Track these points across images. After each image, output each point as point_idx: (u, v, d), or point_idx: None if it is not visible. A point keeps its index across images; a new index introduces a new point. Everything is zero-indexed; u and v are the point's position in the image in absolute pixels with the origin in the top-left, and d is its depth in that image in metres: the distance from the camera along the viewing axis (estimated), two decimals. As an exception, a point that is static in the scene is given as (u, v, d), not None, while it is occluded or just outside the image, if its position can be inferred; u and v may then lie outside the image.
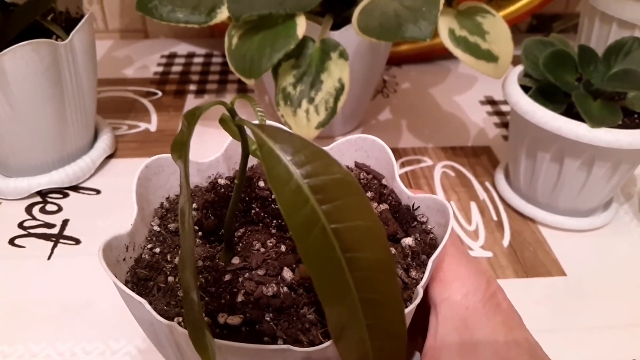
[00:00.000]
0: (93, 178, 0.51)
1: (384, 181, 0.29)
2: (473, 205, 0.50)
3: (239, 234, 0.26)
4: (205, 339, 0.18)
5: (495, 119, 0.63)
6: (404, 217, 0.27)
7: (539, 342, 0.25)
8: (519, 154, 0.46)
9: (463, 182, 0.52)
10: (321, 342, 0.20)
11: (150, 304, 0.21)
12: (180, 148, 0.19)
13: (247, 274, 0.24)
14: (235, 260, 0.24)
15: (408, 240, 0.26)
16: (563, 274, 0.43)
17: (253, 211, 0.27)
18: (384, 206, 0.27)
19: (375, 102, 0.65)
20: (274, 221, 0.27)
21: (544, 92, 0.43)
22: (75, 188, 0.50)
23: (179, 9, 0.43)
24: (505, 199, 0.50)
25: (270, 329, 0.21)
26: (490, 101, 0.66)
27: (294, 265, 0.24)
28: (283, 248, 0.25)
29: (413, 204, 0.28)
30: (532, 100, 0.42)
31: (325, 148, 0.28)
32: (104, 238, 0.23)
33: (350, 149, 0.31)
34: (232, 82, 0.68)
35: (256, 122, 0.23)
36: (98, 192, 0.50)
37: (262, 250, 0.25)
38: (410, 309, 0.21)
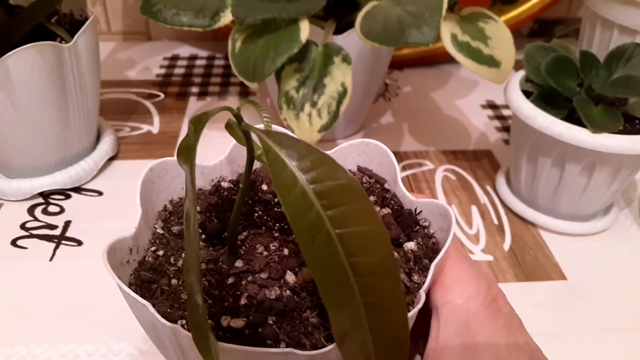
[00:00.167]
0: (95, 179, 0.51)
1: (386, 185, 0.30)
2: (474, 209, 0.50)
3: (242, 237, 0.26)
4: (209, 342, 0.18)
5: (497, 123, 0.63)
6: (406, 222, 0.28)
7: (540, 346, 0.25)
8: (520, 158, 0.46)
9: (464, 186, 0.53)
10: (324, 346, 0.20)
11: (154, 306, 0.21)
12: (186, 152, 0.19)
13: (250, 277, 0.24)
14: (239, 263, 0.25)
15: (410, 245, 0.26)
16: (563, 278, 0.43)
17: (256, 214, 0.27)
18: (386, 210, 0.28)
19: (377, 105, 0.65)
20: (277, 224, 0.27)
21: (546, 97, 0.43)
22: (78, 189, 0.50)
23: (183, 13, 0.43)
24: (506, 203, 0.50)
25: (273, 332, 0.22)
26: (492, 105, 0.66)
27: (297, 269, 0.24)
28: (286, 251, 0.25)
29: (415, 209, 0.28)
30: (533, 105, 0.42)
31: (328, 152, 0.28)
32: (108, 241, 0.23)
33: (353, 153, 0.31)
34: (235, 85, 0.69)
35: (261, 126, 0.24)
36: (100, 193, 0.50)
37: (265, 253, 0.25)
38: (412, 313, 0.21)
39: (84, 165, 0.50)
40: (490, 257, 0.45)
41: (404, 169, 0.55)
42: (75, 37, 0.44)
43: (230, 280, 0.24)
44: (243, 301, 0.23)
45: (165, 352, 0.25)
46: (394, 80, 0.71)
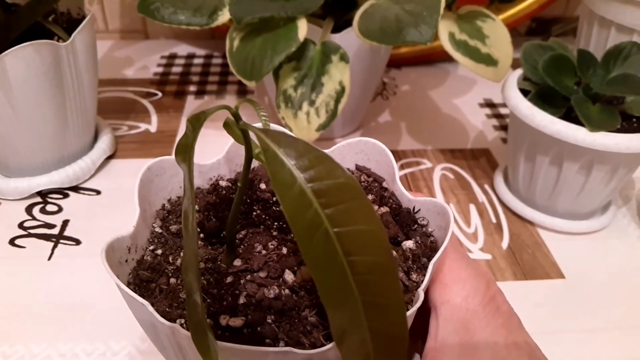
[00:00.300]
0: (93, 178, 0.51)
1: (384, 184, 0.30)
2: (472, 208, 0.50)
3: (241, 236, 0.26)
4: (208, 341, 0.18)
5: (495, 122, 0.63)
6: (404, 220, 0.28)
7: (538, 344, 0.25)
8: (518, 157, 0.46)
9: (462, 185, 0.53)
10: (323, 345, 0.20)
11: (153, 305, 0.21)
12: (184, 151, 0.19)
13: (249, 276, 0.24)
14: (237, 262, 0.25)
15: (409, 243, 0.26)
16: (562, 276, 0.43)
17: (254, 213, 0.27)
18: (384, 209, 0.28)
19: (374, 104, 0.65)
20: (275, 223, 0.27)
21: (543, 95, 0.43)
22: (76, 188, 0.50)
23: (181, 11, 0.43)
24: (504, 201, 0.50)
25: (272, 331, 0.22)
26: (490, 104, 0.66)
27: (296, 268, 0.24)
28: (284, 250, 0.25)
29: (413, 207, 0.28)
30: (531, 103, 0.43)
31: (326, 151, 0.28)
32: (106, 240, 0.23)
33: (351, 151, 0.31)
34: (232, 84, 0.68)
35: (259, 125, 0.23)
36: (98, 192, 0.50)
37: (264, 252, 0.25)
38: (411, 312, 0.21)
39: (82, 164, 0.50)
40: (488, 256, 0.45)
41: (402, 167, 0.55)
42: (73, 35, 0.44)
43: (229, 279, 0.24)
44: (242, 300, 0.23)
45: (164, 351, 0.25)
46: (392, 78, 0.71)
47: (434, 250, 0.26)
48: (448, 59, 0.71)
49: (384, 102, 0.66)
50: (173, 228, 0.27)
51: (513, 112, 0.44)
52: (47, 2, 0.44)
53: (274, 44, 0.41)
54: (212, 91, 0.67)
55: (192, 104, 0.64)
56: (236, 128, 0.21)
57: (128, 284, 0.24)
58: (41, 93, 0.43)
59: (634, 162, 0.42)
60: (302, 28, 0.41)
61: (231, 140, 0.29)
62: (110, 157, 0.54)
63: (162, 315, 0.21)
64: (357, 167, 0.31)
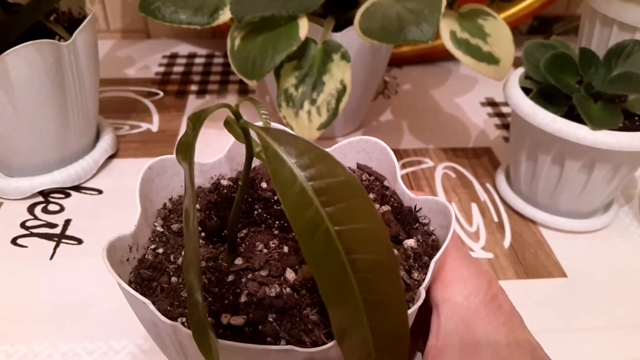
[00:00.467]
0: (95, 178, 0.51)
1: (386, 183, 0.30)
2: (474, 207, 0.50)
3: (242, 235, 0.26)
4: (209, 339, 0.18)
5: (496, 121, 0.63)
6: (406, 219, 0.28)
7: (540, 343, 0.25)
8: (519, 155, 0.46)
9: (464, 184, 0.53)
10: (324, 343, 0.20)
11: (154, 304, 0.21)
12: (185, 150, 0.19)
13: (250, 274, 0.24)
14: (238, 261, 0.25)
15: (410, 242, 0.26)
16: (564, 275, 0.43)
17: (255, 212, 0.27)
18: (386, 208, 0.28)
19: (376, 103, 0.65)
20: (277, 222, 0.27)
21: (545, 94, 0.43)
22: (77, 188, 0.50)
23: (182, 10, 0.43)
24: (506, 200, 0.50)
25: (273, 329, 0.22)
26: (491, 103, 0.66)
27: (297, 266, 0.24)
28: (286, 249, 0.25)
29: (415, 206, 0.28)
30: (533, 102, 0.42)
31: (327, 150, 0.28)
32: (107, 239, 0.23)
33: (352, 150, 0.31)
34: (234, 83, 0.68)
35: (260, 124, 0.23)
36: (100, 192, 0.50)
37: (265, 251, 0.25)
38: (412, 310, 0.21)
39: (84, 164, 0.50)
40: (490, 255, 0.45)
41: (403, 166, 0.55)
42: (74, 35, 0.44)
43: (230, 277, 0.24)
44: (243, 299, 0.23)
45: (165, 350, 0.25)
46: (393, 77, 0.71)
47: (436, 248, 0.26)
48: (449, 57, 0.71)
49: (385, 101, 0.66)
50: (174, 227, 0.27)
51: (515, 111, 0.44)
52: (49, 2, 0.44)
53: (275, 43, 0.41)
54: (213, 90, 0.67)
55: (193, 104, 0.64)
56: (237, 126, 0.21)
57: (129, 283, 0.24)
58: (43, 93, 0.43)
59: (636, 160, 0.42)
60: (303, 27, 0.41)
61: (232, 139, 0.29)
62: (112, 157, 0.54)
63: (163, 314, 0.21)
64: (359, 166, 0.31)
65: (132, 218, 0.25)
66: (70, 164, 0.50)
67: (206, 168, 0.30)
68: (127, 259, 0.25)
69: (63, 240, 0.45)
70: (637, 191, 0.52)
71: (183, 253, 0.25)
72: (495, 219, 0.49)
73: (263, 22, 0.42)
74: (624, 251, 0.46)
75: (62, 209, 0.48)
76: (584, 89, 0.42)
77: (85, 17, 0.48)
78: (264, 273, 0.24)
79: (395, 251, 0.25)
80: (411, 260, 0.25)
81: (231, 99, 0.65)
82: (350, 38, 0.45)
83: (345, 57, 0.42)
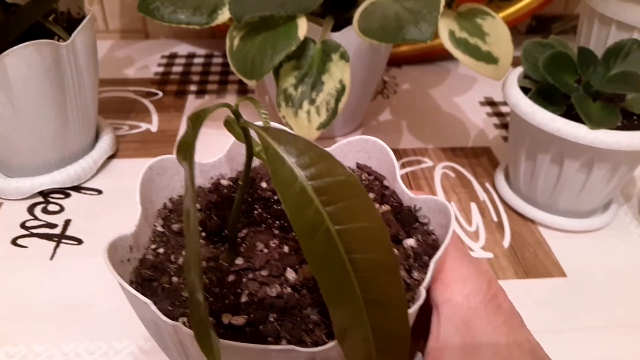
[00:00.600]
0: (95, 178, 0.51)
1: (385, 182, 0.30)
2: (473, 206, 0.50)
3: (242, 234, 0.26)
4: (210, 339, 0.18)
5: (495, 120, 0.63)
6: (405, 218, 0.28)
7: (540, 343, 0.25)
8: (518, 155, 0.46)
9: (463, 183, 0.53)
10: (325, 343, 0.20)
11: (155, 304, 0.21)
12: (185, 149, 0.19)
13: (251, 274, 0.24)
14: (239, 261, 0.25)
15: (410, 242, 0.26)
16: (563, 274, 0.43)
17: (256, 212, 0.27)
18: (385, 207, 0.28)
19: (375, 102, 0.65)
20: (277, 222, 0.27)
21: (544, 93, 0.43)
22: (77, 188, 0.50)
23: (181, 10, 0.43)
24: (505, 199, 0.50)
25: (274, 329, 0.22)
26: (490, 102, 0.66)
27: (297, 266, 0.24)
28: (286, 249, 0.25)
29: (414, 205, 0.28)
30: (531, 101, 0.43)
31: (327, 149, 0.28)
32: (108, 239, 0.23)
33: (352, 150, 0.31)
34: (233, 83, 0.68)
35: (260, 124, 0.23)
36: (100, 192, 0.50)
37: (266, 251, 0.25)
38: (413, 310, 0.21)
39: (83, 164, 0.50)
40: (490, 255, 0.45)
41: (403, 166, 0.55)
42: (73, 35, 0.44)
43: (231, 277, 0.24)
44: (244, 299, 0.23)
45: (166, 350, 0.25)
46: (392, 77, 0.71)
47: (435, 248, 0.26)
48: (448, 57, 0.71)
49: (384, 100, 0.66)
50: (175, 227, 0.27)
51: (514, 110, 0.44)
52: (47, 2, 0.44)
53: (274, 43, 0.41)
54: (212, 90, 0.67)
55: (192, 104, 0.64)
56: (237, 126, 0.21)
57: (130, 283, 0.24)
58: (42, 93, 0.43)
59: (635, 159, 0.42)
60: (302, 27, 0.41)
61: (232, 139, 0.29)
62: (111, 157, 0.54)
63: (164, 314, 0.21)
64: (358, 166, 0.31)
65: (132, 218, 0.26)
66: (70, 164, 0.50)
67: (206, 168, 0.30)
68: (128, 259, 0.25)
69: (63, 241, 0.45)
70: (636, 190, 0.52)
71: (184, 253, 0.26)
72: (495, 218, 0.49)
73: (262, 22, 0.42)
74: (623, 250, 0.46)
75: (62, 209, 0.48)
76: (582, 88, 0.42)
77: (84, 17, 0.48)
78: (264, 273, 0.24)
79: (395, 251, 0.25)
80: (411, 260, 0.25)
81: (230, 98, 0.65)
82: (349, 38, 0.45)
83: (344, 56, 0.42)
